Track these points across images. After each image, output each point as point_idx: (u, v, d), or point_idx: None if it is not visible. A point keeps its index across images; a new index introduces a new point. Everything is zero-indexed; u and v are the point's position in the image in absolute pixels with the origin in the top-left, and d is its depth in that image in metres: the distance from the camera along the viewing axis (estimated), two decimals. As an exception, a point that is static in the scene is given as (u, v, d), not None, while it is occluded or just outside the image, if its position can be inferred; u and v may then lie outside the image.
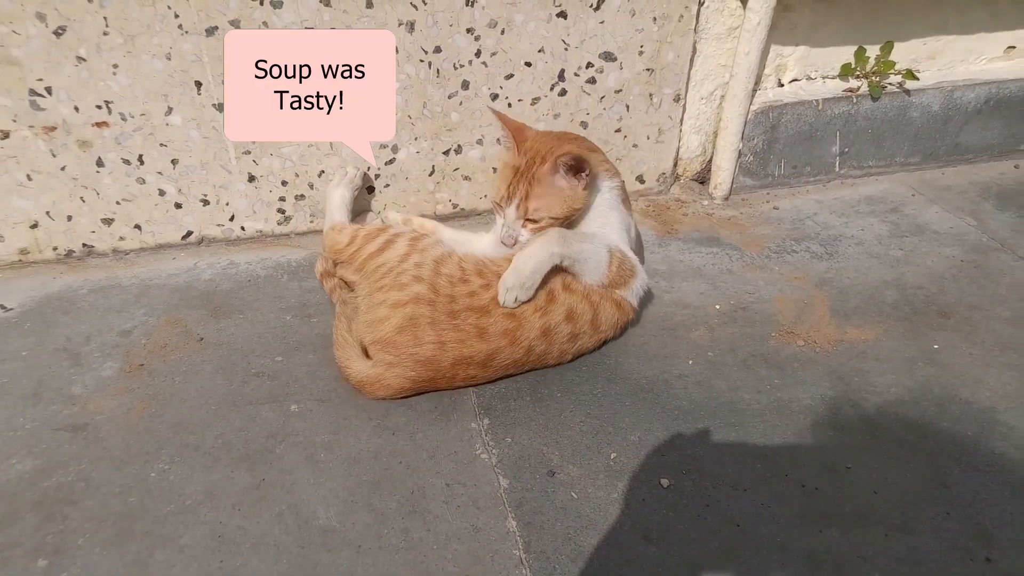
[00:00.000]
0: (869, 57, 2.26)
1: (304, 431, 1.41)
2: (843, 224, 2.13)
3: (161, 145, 1.78)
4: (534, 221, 1.56)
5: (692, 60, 2.08)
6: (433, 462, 1.35)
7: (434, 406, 1.47)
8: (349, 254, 1.61)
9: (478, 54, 1.88)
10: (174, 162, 1.81)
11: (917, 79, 2.28)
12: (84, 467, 1.31)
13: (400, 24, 1.79)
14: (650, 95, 2.08)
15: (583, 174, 1.53)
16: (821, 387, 1.53)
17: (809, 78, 2.28)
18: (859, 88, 2.27)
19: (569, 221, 1.60)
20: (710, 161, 2.27)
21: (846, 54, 2.27)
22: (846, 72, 2.28)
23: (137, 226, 1.87)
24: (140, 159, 1.78)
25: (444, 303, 1.44)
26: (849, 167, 2.36)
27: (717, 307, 1.78)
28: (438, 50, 1.85)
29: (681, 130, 2.19)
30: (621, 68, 2.01)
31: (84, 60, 1.64)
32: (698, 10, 2.00)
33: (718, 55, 2.11)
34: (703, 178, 2.32)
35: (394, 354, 1.42)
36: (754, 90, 2.13)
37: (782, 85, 2.26)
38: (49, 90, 1.65)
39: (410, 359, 1.42)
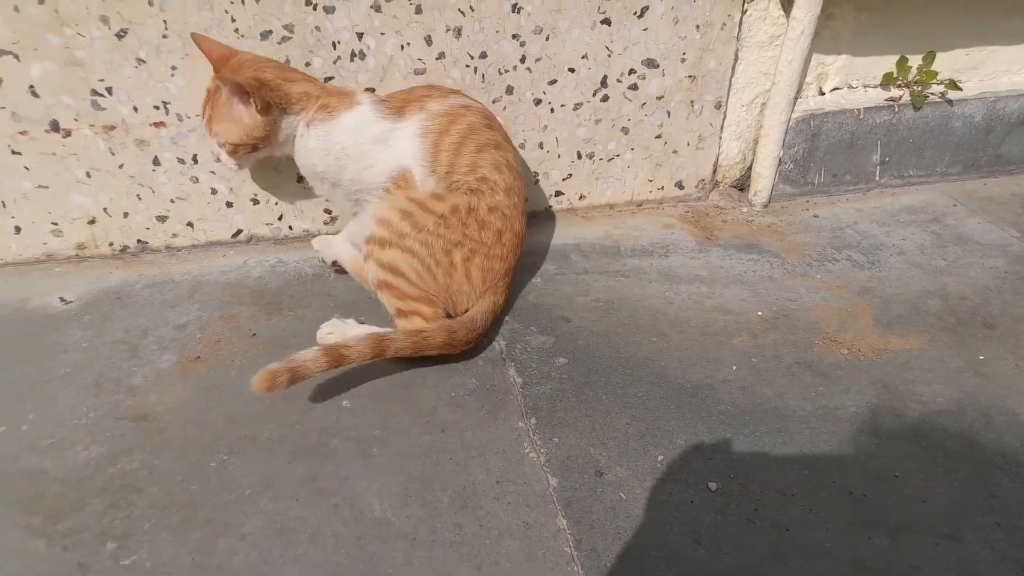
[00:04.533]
0: (911, 67, 2.26)
1: (356, 426, 1.44)
2: (884, 233, 2.13)
3: (215, 145, 1.83)
4: (221, 144, 1.58)
5: (734, 67, 2.10)
6: (482, 460, 1.38)
7: (481, 405, 1.50)
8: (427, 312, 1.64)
9: (523, 60, 1.91)
10: (227, 162, 1.85)
11: (960, 89, 2.28)
12: (147, 456, 1.36)
13: (447, 30, 1.82)
14: (691, 102, 2.10)
15: (250, 99, 1.50)
16: (866, 395, 1.54)
17: (850, 87, 2.29)
18: (901, 97, 2.27)
19: (267, 147, 1.61)
20: (750, 168, 2.28)
21: (888, 63, 2.27)
22: (888, 81, 2.28)
23: (190, 223, 1.92)
24: (194, 158, 1.83)
25: (471, 238, 1.58)
26: (889, 176, 2.36)
27: (759, 313, 1.79)
28: (484, 55, 1.88)
29: (721, 137, 2.20)
30: (663, 75, 2.03)
31: (144, 62, 1.69)
32: (741, 18, 2.02)
33: (760, 63, 2.12)
34: (742, 185, 2.33)
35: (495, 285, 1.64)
36: (796, 98, 2.14)
37: (823, 93, 2.27)
38: (110, 90, 1.70)
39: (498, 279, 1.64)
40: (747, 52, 2.09)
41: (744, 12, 2.01)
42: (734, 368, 1.62)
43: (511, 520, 1.26)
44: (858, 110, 2.23)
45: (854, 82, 2.29)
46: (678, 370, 1.61)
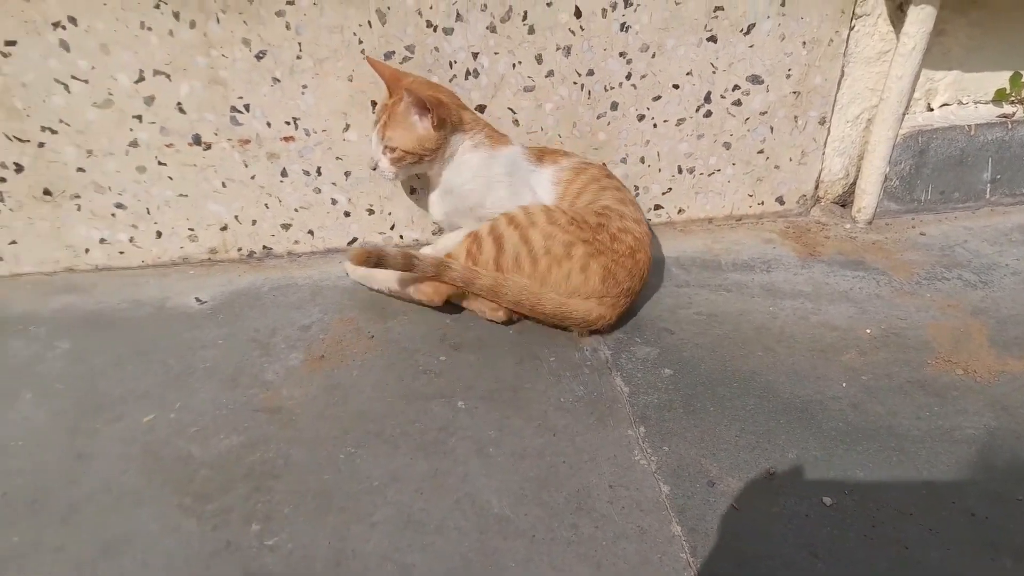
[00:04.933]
0: (1026, 82, 2.20)
1: (471, 426, 1.51)
2: (996, 253, 2.08)
3: (337, 158, 1.94)
4: (392, 150, 1.71)
5: (839, 83, 2.09)
6: (594, 464, 1.43)
7: (590, 411, 1.55)
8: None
9: (628, 76, 1.96)
10: (347, 174, 1.97)
11: (1078, 105, 2.20)
12: (282, 446, 1.46)
13: (558, 48, 1.89)
14: (795, 117, 2.10)
15: (428, 113, 1.66)
16: (984, 417, 1.51)
17: (960, 103, 2.24)
18: (1014, 114, 2.21)
19: (428, 161, 1.76)
20: (853, 184, 2.26)
21: (1000, 79, 2.22)
22: (1000, 97, 2.23)
23: (310, 231, 2.04)
24: (318, 171, 1.95)
25: (601, 243, 1.68)
26: (1000, 194, 2.30)
27: (868, 331, 1.78)
28: (591, 73, 1.94)
29: (824, 153, 2.20)
30: (767, 91, 2.04)
31: (279, 81, 1.82)
32: (848, 35, 2.02)
33: (866, 78, 2.11)
34: (844, 201, 2.31)
35: (610, 296, 1.70)
36: (903, 114, 2.11)
37: (931, 110, 2.23)
38: (247, 107, 1.84)
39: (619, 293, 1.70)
40: (853, 68, 2.08)
41: (852, 28, 2.00)
42: (844, 385, 1.61)
43: (626, 524, 1.30)
44: (969, 126, 2.18)
45: (964, 98, 2.24)
46: (786, 385, 1.62)
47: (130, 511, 1.33)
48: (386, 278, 1.82)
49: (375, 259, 1.63)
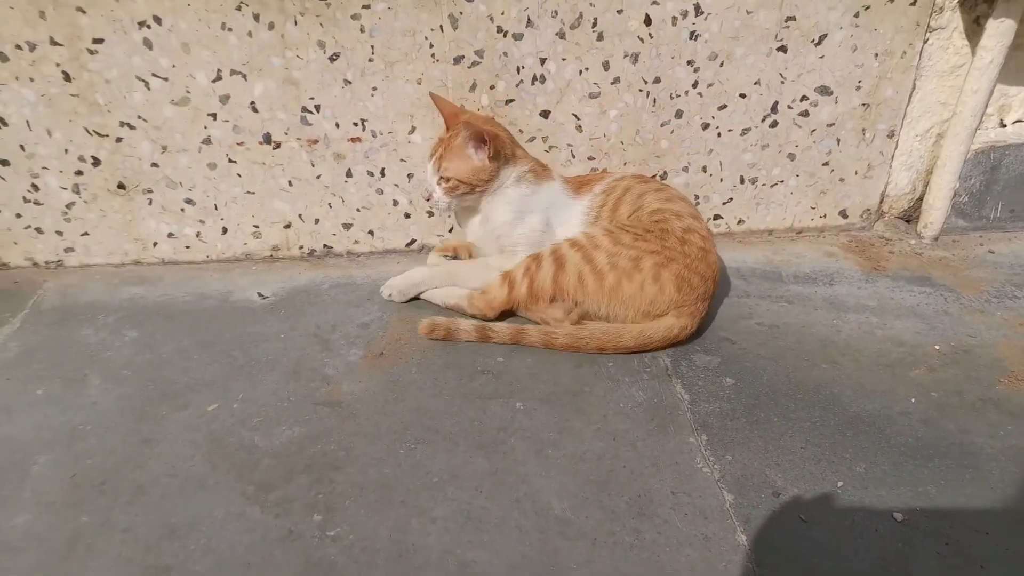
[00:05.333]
0: (1107, 99, 2.13)
1: (530, 427, 1.51)
2: (1071, 273, 2.01)
3: (401, 160, 1.97)
4: (447, 180, 1.76)
5: (910, 96, 2.05)
6: (656, 470, 1.41)
7: (651, 418, 1.53)
8: (524, 296, 1.73)
9: (695, 85, 1.95)
10: (409, 176, 2.00)
11: None
12: (343, 439, 1.47)
13: (625, 56, 1.89)
14: (863, 130, 2.07)
15: (484, 145, 1.71)
16: (1063, 438, 1.45)
17: (1035, 119, 2.18)
18: (1092, 131, 2.13)
19: (479, 192, 1.79)
20: (919, 199, 2.21)
21: (1078, 95, 2.15)
22: (1078, 114, 2.15)
23: (371, 232, 2.07)
24: (382, 172, 1.98)
25: (671, 249, 1.68)
26: (1076, 214, 2.22)
27: (936, 347, 1.73)
28: (657, 80, 1.94)
29: (891, 166, 2.15)
30: (836, 102, 2.01)
31: (350, 83, 1.86)
32: (922, 47, 1.98)
33: (938, 92, 2.06)
34: (909, 216, 2.26)
35: (688, 303, 1.69)
36: (976, 129, 2.06)
37: (1004, 125, 2.17)
38: (318, 108, 1.88)
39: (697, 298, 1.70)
40: (925, 81, 2.04)
41: (926, 41, 1.97)
42: (913, 401, 1.57)
43: (690, 531, 1.28)
44: (1044, 143, 2.12)
45: (1039, 114, 2.18)
46: (852, 398, 1.58)
47: (195, 496, 1.35)
48: (438, 296, 1.86)
49: (443, 333, 1.72)
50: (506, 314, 1.81)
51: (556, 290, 1.69)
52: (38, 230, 1.96)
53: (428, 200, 1.83)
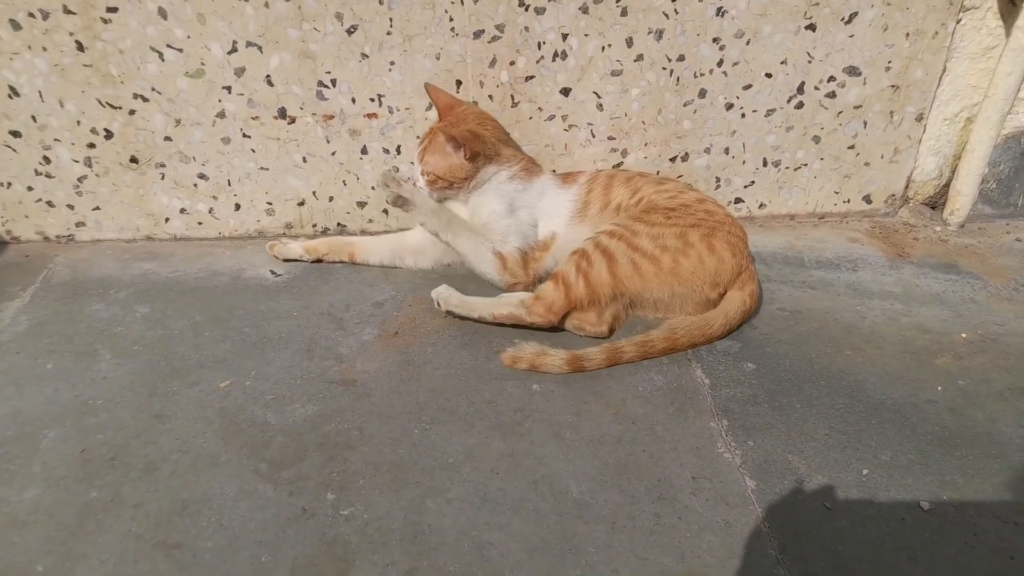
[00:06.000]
0: None
1: (547, 410, 1.48)
2: (1102, 262, 1.96)
3: (417, 137, 1.93)
4: (428, 173, 1.76)
5: (940, 79, 2.00)
6: (676, 455, 1.38)
7: (670, 401, 1.50)
8: (584, 293, 1.63)
9: (720, 63, 1.91)
10: (425, 153, 1.96)
11: None
12: (357, 418, 1.45)
13: (649, 32, 1.84)
14: (891, 113, 2.01)
15: (461, 148, 1.71)
16: (1096, 429, 1.41)
17: (1068, 104, 2.12)
18: None
19: (457, 188, 1.78)
20: (946, 185, 2.16)
21: (1113, 80, 2.09)
22: (1112, 99, 2.09)
23: (385, 211, 2.04)
24: (398, 149, 1.95)
25: (705, 220, 1.67)
26: (1107, 202, 2.17)
27: (963, 335, 1.69)
28: (681, 58, 1.89)
29: (918, 151, 2.10)
30: (864, 83, 1.96)
31: (367, 56, 1.82)
32: (954, 28, 1.92)
33: (969, 75, 2.01)
34: (935, 203, 2.21)
35: (747, 267, 1.69)
36: (1007, 113, 2.00)
37: (1035, 110, 2.11)
38: (334, 82, 1.85)
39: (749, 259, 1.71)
40: (956, 63, 1.99)
41: (958, 21, 1.91)
42: (939, 389, 1.53)
43: (711, 516, 1.25)
44: (1077, 129, 2.06)
45: (1073, 99, 2.12)
46: (877, 385, 1.54)
47: (207, 473, 1.33)
48: (486, 308, 1.71)
49: (527, 366, 1.58)
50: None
51: (615, 282, 1.62)
52: (49, 203, 1.94)
53: (413, 186, 1.80)
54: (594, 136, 1.98)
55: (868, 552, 1.19)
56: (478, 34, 1.81)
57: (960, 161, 2.08)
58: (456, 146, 1.72)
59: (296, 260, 1.93)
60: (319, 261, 1.93)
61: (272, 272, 1.91)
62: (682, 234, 1.61)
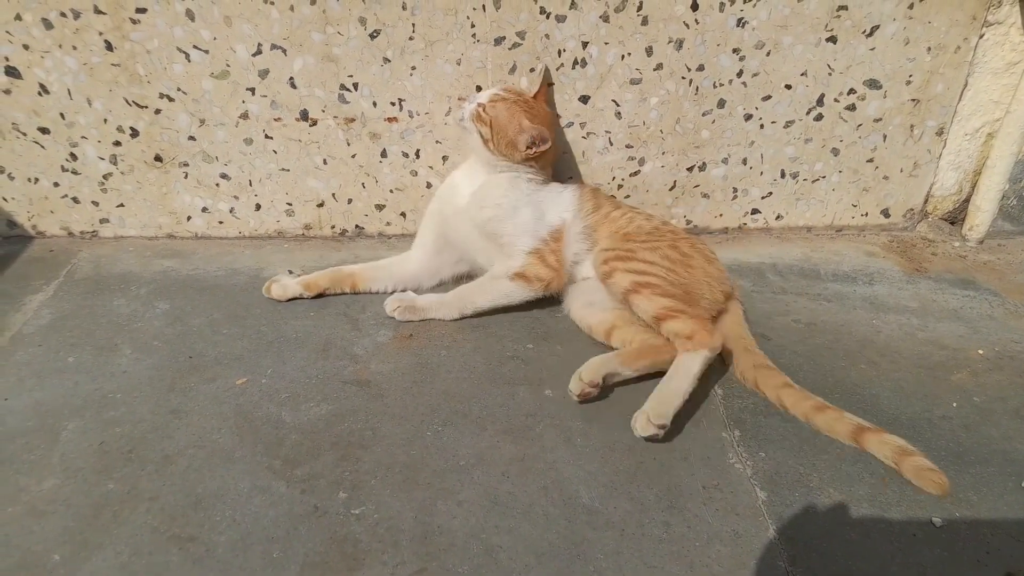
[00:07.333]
0: None
1: (559, 415, 1.48)
2: (1124, 282, 1.94)
3: (436, 142, 1.95)
4: (485, 112, 1.70)
5: (962, 93, 1.99)
6: (687, 464, 1.38)
7: (683, 412, 1.50)
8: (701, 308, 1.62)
9: (739, 74, 1.91)
10: (444, 158, 1.98)
11: None
12: (370, 418, 1.46)
13: (669, 41, 1.85)
14: (911, 127, 2.01)
15: (535, 144, 1.69)
16: (1113, 450, 1.40)
17: (1092, 121, 2.10)
18: None
19: (483, 149, 1.73)
20: (966, 201, 2.14)
21: None
22: None
23: (403, 214, 2.06)
24: (417, 153, 1.97)
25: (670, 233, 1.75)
26: None
27: (980, 352, 1.68)
28: (701, 68, 1.89)
29: (938, 166, 2.09)
30: (884, 97, 1.96)
31: (389, 61, 1.84)
32: (977, 42, 1.91)
33: (991, 90, 2.00)
34: (954, 218, 2.19)
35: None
36: (1029, 130, 1.99)
37: (1058, 127, 2.10)
38: (356, 86, 1.87)
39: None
40: (978, 78, 1.98)
41: (981, 36, 1.90)
42: (954, 405, 1.52)
43: (720, 526, 1.25)
44: (1100, 147, 2.04)
45: (1097, 116, 2.10)
46: (891, 400, 1.53)
47: (221, 468, 1.35)
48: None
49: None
50: (543, 300, 1.78)
51: (693, 284, 1.63)
52: (74, 200, 1.98)
53: (460, 121, 1.76)
54: (611, 144, 1.99)
55: (878, 567, 1.18)
56: (499, 40, 1.82)
57: (980, 177, 2.07)
58: (530, 140, 1.69)
59: (296, 298, 1.81)
60: (321, 295, 1.82)
61: (290, 272, 1.93)
62: (673, 245, 1.67)
